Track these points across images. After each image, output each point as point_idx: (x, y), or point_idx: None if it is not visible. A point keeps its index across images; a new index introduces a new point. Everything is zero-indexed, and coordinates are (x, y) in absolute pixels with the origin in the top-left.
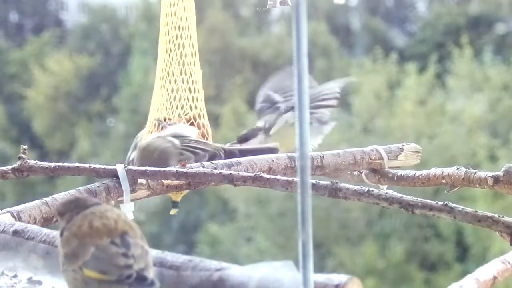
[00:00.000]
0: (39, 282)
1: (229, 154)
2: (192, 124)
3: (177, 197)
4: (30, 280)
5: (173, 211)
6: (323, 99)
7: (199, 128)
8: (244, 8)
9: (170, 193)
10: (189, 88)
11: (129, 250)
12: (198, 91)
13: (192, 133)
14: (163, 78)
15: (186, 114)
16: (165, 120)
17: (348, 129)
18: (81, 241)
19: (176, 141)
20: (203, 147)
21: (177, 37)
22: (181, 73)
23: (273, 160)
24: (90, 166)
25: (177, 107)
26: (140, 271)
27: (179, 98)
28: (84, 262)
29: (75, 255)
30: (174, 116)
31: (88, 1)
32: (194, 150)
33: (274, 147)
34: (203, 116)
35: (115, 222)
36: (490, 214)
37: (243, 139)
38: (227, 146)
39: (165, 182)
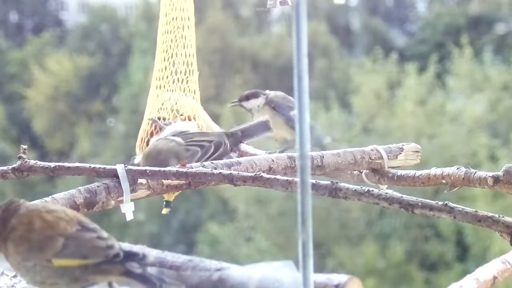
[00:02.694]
0: None
1: (232, 137)
2: None
3: (170, 196)
4: None
5: (165, 210)
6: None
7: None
8: (244, 8)
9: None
10: (185, 89)
11: (101, 233)
12: (195, 92)
13: (191, 127)
14: (160, 78)
15: (181, 115)
16: (159, 119)
17: (348, 129)
18: (42, 235)
19: (179, 139)
20: (207, 138)
21: (175, 38)
22: (177, 73)
23: (273, 160)
24: (90, 166)
25: (172, 109)
26: (127, 249)
27: (175, 98)
28: (55, 253)
29: (41, 249)
30: (170, 116)
31: (88, 1)
32: (199, 143)
33: (265, 120)
34: (199, 117)
35: (64, 212)
36: (490, 214)
37: (244, 98)
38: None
39: (165, 182)
